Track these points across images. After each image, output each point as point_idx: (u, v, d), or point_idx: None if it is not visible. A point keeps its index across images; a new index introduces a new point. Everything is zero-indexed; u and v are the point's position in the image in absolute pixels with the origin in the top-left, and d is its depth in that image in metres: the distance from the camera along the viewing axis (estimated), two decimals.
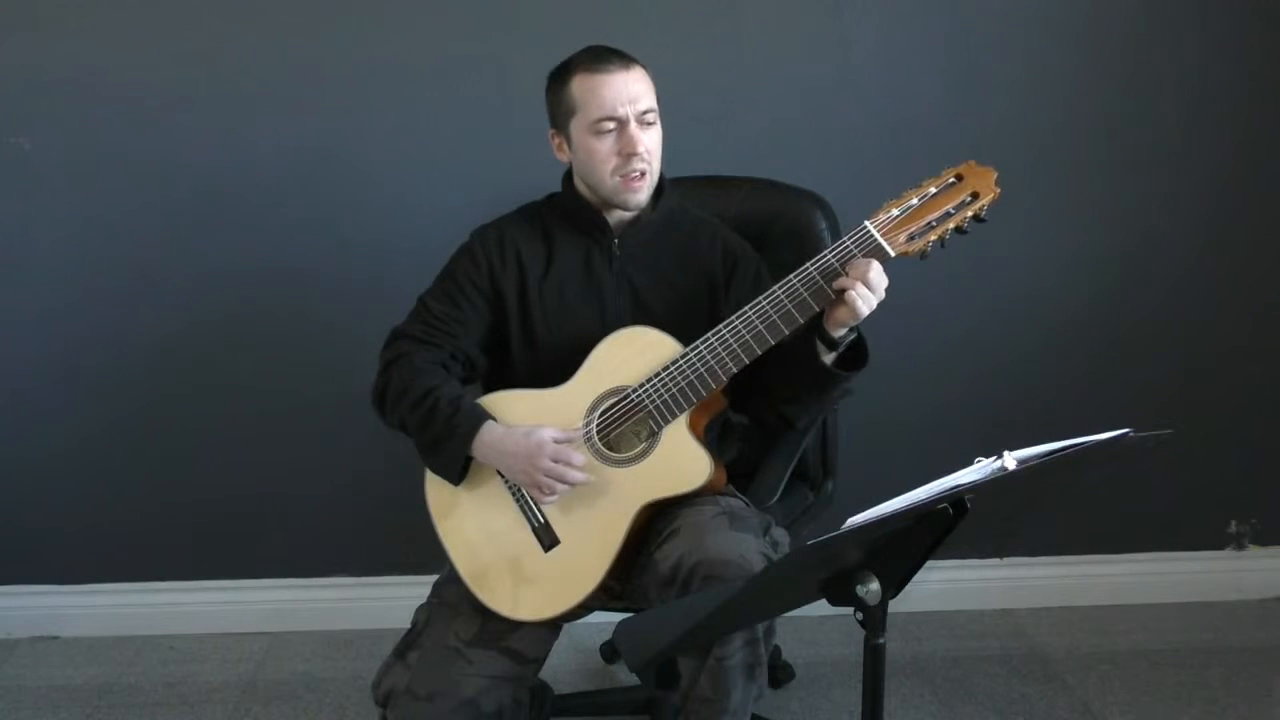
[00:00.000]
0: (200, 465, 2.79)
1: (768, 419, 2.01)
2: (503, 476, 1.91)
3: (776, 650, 2.59)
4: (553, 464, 1.83)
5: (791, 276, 1.83)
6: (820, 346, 1.85)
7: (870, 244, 1.79)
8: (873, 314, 1.80)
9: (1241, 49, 2.68)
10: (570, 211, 2.01)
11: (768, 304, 1.83)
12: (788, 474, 2.15)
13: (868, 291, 1.76)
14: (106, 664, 2.75)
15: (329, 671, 2.70)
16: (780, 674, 2.58)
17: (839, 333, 1.83)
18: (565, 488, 1.85)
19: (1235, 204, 2.76)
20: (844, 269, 1.79)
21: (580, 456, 1.86)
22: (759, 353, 1.83)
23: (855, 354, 1.88)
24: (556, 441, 1.86)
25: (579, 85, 1.91)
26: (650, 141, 1.92)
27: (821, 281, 1.81)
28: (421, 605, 1.95)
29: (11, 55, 2.60)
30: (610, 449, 1.89)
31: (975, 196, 1.78)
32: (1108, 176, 2.73)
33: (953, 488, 1.33)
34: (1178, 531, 2.91)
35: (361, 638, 2.80)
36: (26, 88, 2.61)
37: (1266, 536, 2.92)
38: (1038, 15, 2.64)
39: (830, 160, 2.64)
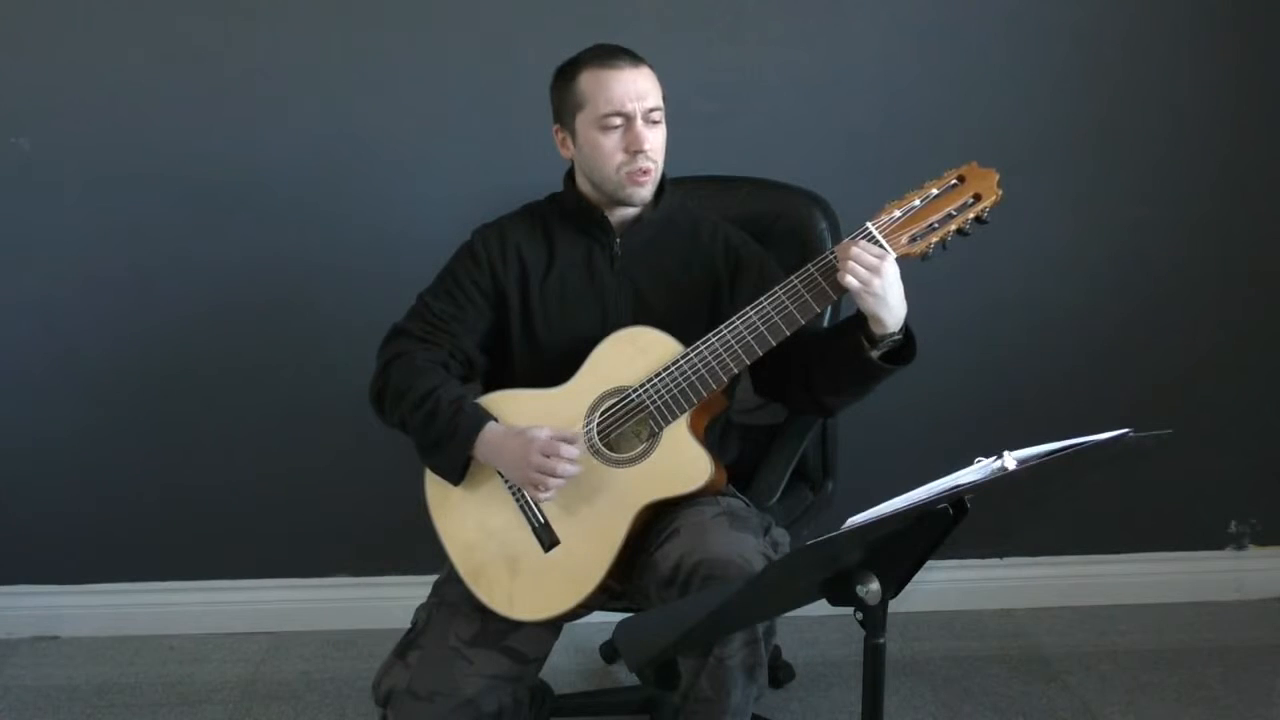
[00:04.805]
0: (200, 465, 2.79)
1: (804, 404, 2.00)
2: (503, 476, 1.91)
3: (776, 650, 2.59)
4: (543, 458, 1.82)
5: (793, 277, 1.83)
6: (866, 342, 1.82)
7: None
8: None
9: (1235, 50, 2.68)
10: (572, 211, 2.01)
11: (769, 304, 1.83)
12: (788, 474, 2.15)
13: (861, 269, 1.73)
14: (106, 664, 2.74)
15: (329, 671, 2.70)
16: (780, 674, 2.58)
17: (880, 331, 1.78)
18: (559, 482, 1.84)
19: (1234, 203, 2.75)
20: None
21: (573, 449, 1.85)
22: (760, 354, 1.83)
23: (903, 347, 1.84)
24: (552, 438, 1.85)
25: (587, 80, 1.91)
26: (656, 140, 1.92)
27: (822, 281, 1.80)
28: (421, 605, 1.95)
29: (11, 55, 2.60)
30: (610, 449, 1.89)
31: (977, 198, 1.78)
32: (1107, 176, 2.73)
33: (953, 488, 1.33)
34: (1178, 531, 2.91)
35: (361, 638, 2.80)
36: (26, 88, 2.61)
37: (1266, 536, 2.92)
38: (1036, 16, 2.64)
39: (830, 160, 2.64)
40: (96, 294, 2.70)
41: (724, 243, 2.03)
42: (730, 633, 1.74)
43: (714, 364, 1.83)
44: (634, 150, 1.89)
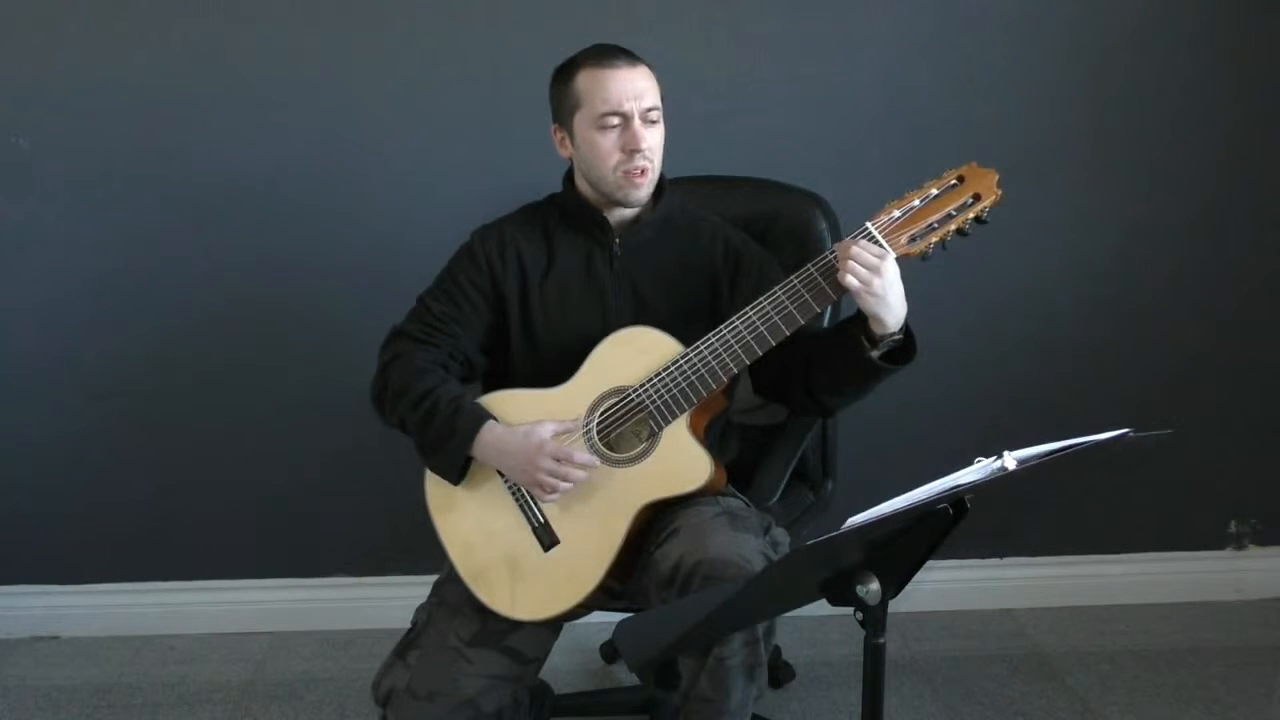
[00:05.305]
0: (200, 465, 2.79)
1: (804, 405, 1.99)
2: (503, 476, 1.91)
3: (776, 650, 2.59)
4: (554, 464, 1.83)
5: (792, 277, 1.83)
6: (866, 342, 1.82)
7: None
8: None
9: (1235, 50, 2.68)
10: (571, 211, 2.01)
11: (769, 305, 1.83)
12: (788, 474, 2.16)
13: (861, 268, 1.73)
14: (106, 664, 2.75)
15: (329, 671, 2.70)
16: (780, 674, 2.58)
17: (880, 331, 1.78)
18: (567, 486, 1.84)
19: (1234, 203, 2.75)
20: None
21: (583, 455, 1.85)
22: (760, 354, 1.83)
23: (904, 347, 1.84)
24: (556, 435, 1.86)
25: (585, 80, 1.91)
26: (653, 139, 1.92)
27: (822, 281, 1.80)
28: (421, 605, 1.95)
29: (11, 55, 2.60)
30: (610, 449, 1.89)
31: (977, 198, 1.78)
32: (1106, 176, 2.73)
33: (953, 488, 1.33)
34: (1178, 531, 2.91)
35: (361, 638, 2.80)
36: (26, 88, 2.61)
37: (1266, 536, 2.92)
38: (1036, 17, 2.64)
39: (830, 160, 2.64)
40: (96, 294, 2.70)
41: (724, 243, 2.03)
42: (730, 633, 1.74)
43: (714, 364, 1.83)
44: (631, 150, 1.89)
